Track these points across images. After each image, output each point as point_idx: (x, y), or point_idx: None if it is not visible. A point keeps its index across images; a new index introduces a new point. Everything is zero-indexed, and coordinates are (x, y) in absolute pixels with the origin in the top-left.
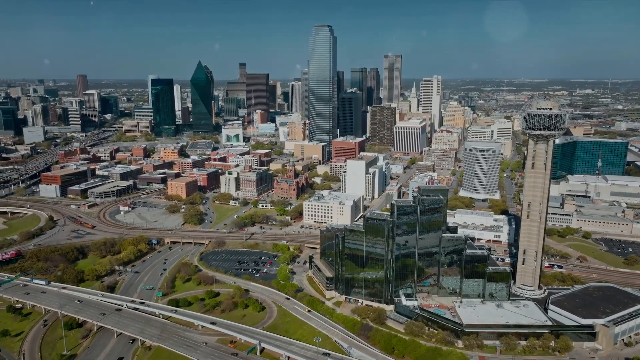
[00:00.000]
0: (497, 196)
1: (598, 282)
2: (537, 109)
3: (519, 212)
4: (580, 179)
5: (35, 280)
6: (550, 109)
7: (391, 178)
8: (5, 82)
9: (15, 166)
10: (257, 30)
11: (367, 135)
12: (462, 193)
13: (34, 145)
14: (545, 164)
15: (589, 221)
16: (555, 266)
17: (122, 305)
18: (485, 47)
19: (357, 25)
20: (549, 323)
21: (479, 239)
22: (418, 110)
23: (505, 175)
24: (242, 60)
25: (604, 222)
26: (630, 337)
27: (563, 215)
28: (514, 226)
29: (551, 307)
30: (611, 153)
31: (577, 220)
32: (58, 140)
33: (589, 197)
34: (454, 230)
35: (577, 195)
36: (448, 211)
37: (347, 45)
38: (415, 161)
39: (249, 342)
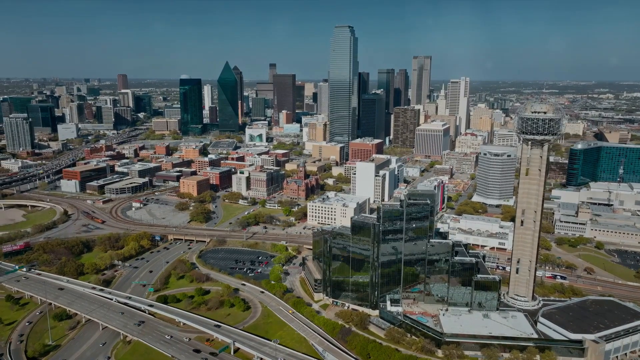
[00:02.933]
0: (511, 202)
1: (600, 296)
2: (532, 112)
3: None
4: (604, 186)
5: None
6: (545, 112)
7: (405, 181)
8: (54, 80)
9: (44, 161)
10: (289, 32)
11: (391, 137)
12: (476, 198)
13: (65, 141)
14: (540, 170)
15: (603, 231)
16: (558, 277)
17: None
18: (529, 48)
19: (390, 26)
20: (535, 336)
21: (482, 246)
22: (446, 112)
23: None
24: (274, 61)
25: (619, 233)
26: (625, 354)
27: (576, 224)
28: None
29: (541, 319)
30: (638, 160)
31: (591, 229)
32: (90, 137)
33: (612, 205)
34: (444, 236)
35: (599, 204)
36: (454, 216)
37: (377, 46)
38: (434, 164)
39: (225, 341)
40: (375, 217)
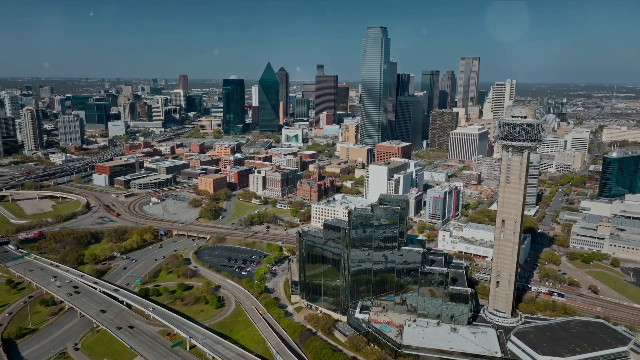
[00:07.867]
0: (532, 212)
1: (596, 317)
2: (512, 116)
3: (550, 231)
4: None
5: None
6: (525, 117)
7: (427, 186)
8: (125, 80)
9: (85, 156)
10: (339, 33)
11: (428, 140)
12: (494, 206)
13: (112, 138)
14: (520, 178)
15: (623, 247)
16: (555, 294)
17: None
18: (608, 50)
19: (449, 26)
20: (499, 355)
21: (484, 257)
22: (491, 115)
23: (559, 189)
24: (324, 62)
25: None
26: None
27: (594, 238)
28: (524, 246)
29: (512, 337)
30: None
31: (610, 245)
32: (137, 135)
33: None
34: (422, 244)
35: (633, 217)
36: (459, 224)
37: (434, 47)
38: (464, 170)
39: (182, 336)
40: (339, 220)
